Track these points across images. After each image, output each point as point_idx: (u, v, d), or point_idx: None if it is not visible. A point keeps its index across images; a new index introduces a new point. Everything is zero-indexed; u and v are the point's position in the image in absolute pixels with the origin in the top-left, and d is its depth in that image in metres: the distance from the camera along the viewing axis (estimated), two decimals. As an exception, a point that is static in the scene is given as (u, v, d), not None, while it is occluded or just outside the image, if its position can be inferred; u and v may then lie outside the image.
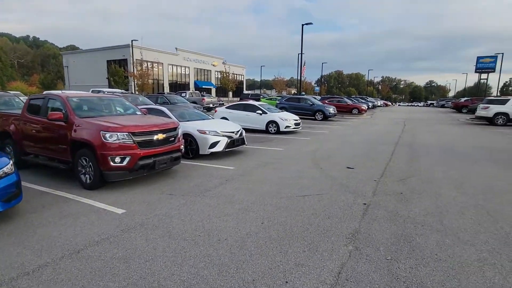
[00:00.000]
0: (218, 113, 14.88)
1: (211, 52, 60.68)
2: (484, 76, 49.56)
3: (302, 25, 27.82)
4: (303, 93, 63.20)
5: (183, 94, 26.82)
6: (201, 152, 7.61)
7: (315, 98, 34.48)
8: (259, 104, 14.16)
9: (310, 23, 27.47)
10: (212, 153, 7.65)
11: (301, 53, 28.26)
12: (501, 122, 18.13)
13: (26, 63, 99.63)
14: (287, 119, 13.41)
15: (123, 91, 20.04)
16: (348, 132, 14.15)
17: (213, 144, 7.61)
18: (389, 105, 64.31)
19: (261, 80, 68.72)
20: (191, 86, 52.77)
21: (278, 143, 10.59)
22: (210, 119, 9.15)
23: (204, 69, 56.02)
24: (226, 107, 14.93)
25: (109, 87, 35.64)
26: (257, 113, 13.61)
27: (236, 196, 4.84)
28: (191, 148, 7.72)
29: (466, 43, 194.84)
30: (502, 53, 42.71)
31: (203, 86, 53.70)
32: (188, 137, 7.76)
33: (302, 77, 66.00)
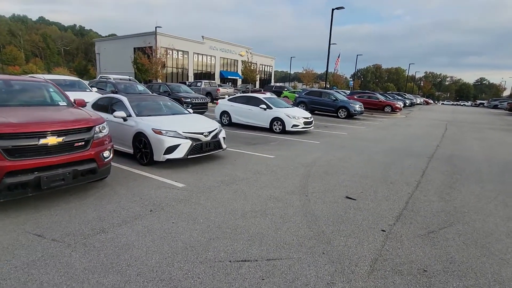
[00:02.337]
0: (220, 106, 13.05)
1: (245, 43, 58.89)
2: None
3: (332, 9, 24.88)
4: (335, 87, 59.42)
5: (199, 84, 25.35)
6: (155, 158, 5.79)
7: (344, 93, 31.43)
8: (264, 98, 12.03)
9: (342, 7, 24.34)
10: (169, 160, 5.80)
11: (330, 41, 25.35)
12: None
13: (71, 50, 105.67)
14: (296, 116, 11.16)
15: (130, 78, 19.00)
16: (371, 136, 11.57)
17: (170, 149, 5.73)
18: (431, 103, 58.23)
19: (290, 72, 65.70)
20: (217, 76, 51.53)
21: (275, 147, 8.48)
22: (183, 114, 7.28)
23: (231, 59, 54.37)
24: (228, 99, 13.01)
25: (135, 76, 35.51)
26: (261, 107, 11.52)
27: (131, 251, 2.94)
28: (146, 152, 5.94)
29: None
30: None
31: (229, 77, 52.22)
32: (142, 137, 5.97)
33: (335, 70, 62.03)
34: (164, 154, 5.71)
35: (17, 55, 74.29)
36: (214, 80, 49.53)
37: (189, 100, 14.43)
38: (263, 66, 63.29)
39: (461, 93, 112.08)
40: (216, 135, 6.50)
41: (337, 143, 9.56)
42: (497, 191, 5.21)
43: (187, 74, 45.63)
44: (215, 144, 6.47)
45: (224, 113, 12.72)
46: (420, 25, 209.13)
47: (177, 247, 2.97)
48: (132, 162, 6.11)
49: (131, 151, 6.25)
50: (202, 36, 48.04)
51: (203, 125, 6.52)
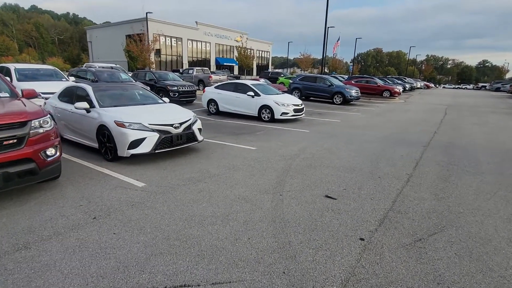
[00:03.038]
0: (206, 93, 12.38)
1: (244, 29, 57.20)
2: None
3: (328, -10, 23.62)
4: (334, 72, 58.18)
5: (191, 71, 24.53)
6: (119, 153, 5.23)
7: (343, 78, 30.49)
8: (252, 84, 11.34)
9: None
10: (134, 155, 5.24)
11: (326, 24, 24.26)
12: None
13: (66, 39, 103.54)
14: (285, 103, 10.52)
15: (113, 66, 18.23)
16: (365, 123, 10.95)
17: (134, 143, 5.16)
18: (431, 87, 57.10)
19: (288, 57, 64.22)
20: (212, 63, 50.32)
21: (260, 137, 7.90)
22: (156, 103, 6.67)
23: (227, 45, 52.93)
24: (216, 87, 12.33)
25: (128, 64, 34.52)
26: (248, 95, 10.86)
27: (47, 274, 2.42)
28: (110, 146, 5.37)
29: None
30: None
31: (225, 63, 50.99)
32: (105, 130, 5.40)
33: (333, 55, 60.50)
34: (128, 149, 5.14)
35: (10, 45, 72.68)
36: (209, 67, 48.50)
37: (175, 88, 13.75)
38: (260, 52, 61.82)
39: (463, 76, 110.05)
40: (189, 127, 5.91)
41: (328, 131, 8.96)
42: (497, 184, 4.66)
43: (182, 61, 44.49)
44: (188, 136, 5.89)
45: (211, 101, 12.08)
46: (422, 7, 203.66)
47: (107, 267, 2.45)
48: (98, 158, 5.57)
49: (96, 145, 5.70)
50: (196, 22, 46.57)
51: (175, 115, 5.91)
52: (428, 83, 57.69)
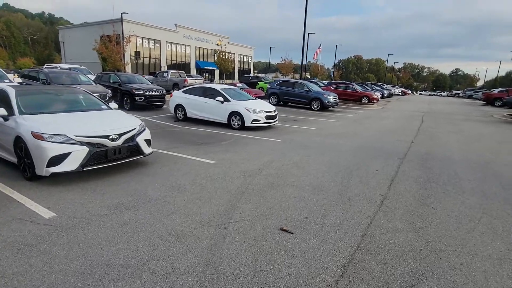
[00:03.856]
0: (174, 98, 11.45)
1: (228, 34, 56.37)
2: (522, 63, 43.08)
3: (307, -6, 23.37)
4: (315, 78, 58.51)
5: (165, 74, 23.43)
6: (37, 172, 4.24)
7: (323, 83, 30.31)
8: (221, 89, 10.54)
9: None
10: (55, 173, 4.27)
11: (305, 28, 23.94)
12: (554, 122, 13.74)
13: (40, 39, 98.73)
14: (256, 110, 9.77)
15: (78, 67, 16.93)
16: (341, 131, 10.39)
17: (56, 159, 4.19)
18: (409, 93, 58.56)
19: (269, 62, 63.98)
20: (192, 66, 49.16)
21: (224, 148, 7.08)
22: (98, 110, 5.70)
23: (207, 49, 51.96)
24: (183, 91, 11.44)
25: (103, 66, 32.79)
26: (217, 100, 10.05)
27: None
28: (28, 162, 4.37)
29: (499, 29, 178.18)
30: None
31: (205, 67, 49.99)
32: (21, 143, 4.40)
33: (315, 61, 60.93)
34: (48, 166, 4.17)
35: (-23, 44, 68.27)
36: (189, 70, 47.30)
37: (141, 92, 12.71)
38: (242, 56, 61.28)
39: (438, 83, 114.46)
40: (132, 138, 5.01)
41: (301, 141, 8.28)
42: (481, 207, 4.07)
43: (160, 64, 43.04)
44: (130, 149, 4.98)
45: (179, 106, 11.16)
46: (400, 17, 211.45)
47: None
48: (18, 175, 4.56)
49: (15, 160, 4.68)
50: (175, 24, 45.37)
51: (115, 125, 4.99)
52: (405, 90, 59.13)
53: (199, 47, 49.94)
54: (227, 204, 3.85)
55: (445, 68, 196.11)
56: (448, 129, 11.91)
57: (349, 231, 3.25)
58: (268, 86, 19.95)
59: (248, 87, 23.47)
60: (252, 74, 57.89)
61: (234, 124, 9.90)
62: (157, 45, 42.49)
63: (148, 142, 5.40)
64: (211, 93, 10.50)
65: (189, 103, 10.88)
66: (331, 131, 10.32)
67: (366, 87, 32.68)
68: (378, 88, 36.06)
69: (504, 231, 3.42)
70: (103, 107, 5.94)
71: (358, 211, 3.79)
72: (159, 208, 3.66)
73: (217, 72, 51.53)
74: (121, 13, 33.53)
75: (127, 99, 12.88)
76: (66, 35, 47.35)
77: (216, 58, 39.38)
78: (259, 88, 25.08)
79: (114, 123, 5.10)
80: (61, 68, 16.48)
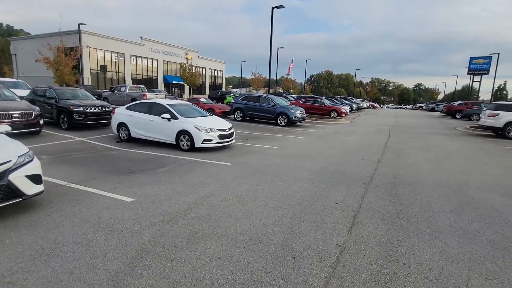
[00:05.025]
0: (116, 115, 9.98)
1: (202, 49, 55.42)
2: (477, 78, 46.09)
3: (272, 8, 23.09)
4: (287, 92, 58.80)
5: (122, 89, 21.72)
6: None
7: (293, 97, 29.93)
8: (169, 104, 9.26)
9: (281, 6, 22.68)
10: None
11: (271, 41, 23.48)
12: (514, 134, 13.83)
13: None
14: (208, 128, 8.56)
15: (15, 81, 14.95)
16: (304, 150, 9.44)
17: None
18: (376, 107, 60.44)
19: (241, 77, 63.70)
20: (160, 81, 47.40)
21: (158, 177, 5.75)
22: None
23: (176, 63, 50.49)
24: (126, 107, 10.00)
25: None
26: (163, 118, 8.75)
27: None
28: None
29: (452, 47, 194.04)
30: (498, 53, 39.04)
31: (174, 82, 48.39)
32: None
33: (287, 75, 61.49)
34: None
35: None
36: (156, 85, 45.44)
37: (81, 109, 11.07)
38: (213, 71, 60.41)
39: (403, 97, 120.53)
40: (1, 175, 3.58)
41: (255, 164, 7.15)
42: (465, 259, 3.09)
43: (124, 78, 40.89)
44: (3, 191, 3.54)
45: (122, 125, 9.70)
46: (365, 35, 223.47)
47: None
48: None
49: None
50: (141, 37, 43.75)
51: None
52: (373, 103, 61.05)
53: (167, 61, 48.40)
54: (109, 280, 2.54)
55: (409, 82, 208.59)
56: (415, 144, 11.40)
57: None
58: (233, 101, 18.94)
59: (213, 102, 22.38)
60: (223, 89, 57.11)
61: (183, 145, 8.61)
62: (120, 58, 40.44)
63: (35, 178, 3.97)
64: (157, 110, 9.18)
65: (132, 121, 9.46)
66: (293, 150, 9.32)
67: (335, 101, 32.82)
68: (347, 102, 36.48)
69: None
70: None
71: (303, 279, 2.64)
72: (-14, 299, 2.27)
73: (187, 87, 50.06)
74: (78, 24, 31.64)
75: (64, 117, 11.17)
76: (18, 47, 43.93)
77: (181, 72, 37.96)
78: (227, 103, 24.05)
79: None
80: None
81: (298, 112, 16.58)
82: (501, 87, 67.76)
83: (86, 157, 7.50)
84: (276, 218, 3.95)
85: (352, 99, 42.80)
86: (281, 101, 17.60)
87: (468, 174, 6.80)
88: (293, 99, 27.90)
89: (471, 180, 6.31)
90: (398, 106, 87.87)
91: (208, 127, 8.59)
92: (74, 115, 10.98)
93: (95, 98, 13.22)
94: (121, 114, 9.82)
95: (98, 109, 11.69)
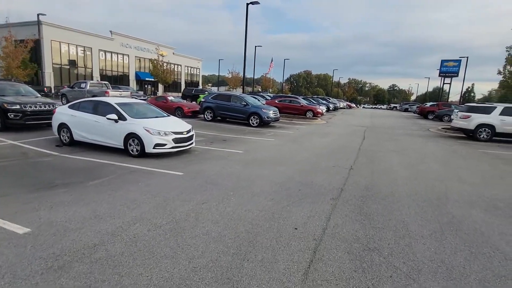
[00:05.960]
0: (56, 115, 8.66)
1: (181, 47, 53.22)
2: (447, 80, 47.67)
3: (247, 4, 22.10)
4: (266, 91, 58.11)
5: (83, 85, 19.89)
6: None
7: (269, 97, 29.14)
8: (117, 103, 8.06)
9: (257, 3, 21.77)
10: None
11: (246, 38, 22.50)
12: (485, 136, 13.76)
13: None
14: (161, 131, 7.47)
15: None
16: (273, 154, 8.58)
17: None
18: (353, 107, 61.20)
19: (218, 75, 62.22)
20: (132, 78, 45.05)
21: (83, 195, 4.63)
22: None
23: (149, 59, 48.21)
24: (69, 106, 8.68)
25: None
26: (109, 118, 7.56)
27: None
28: None
29: (424, 51, 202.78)
30: (467, 57, 40.42)
31: (147, 79, 46.16)
32: None
33: (265, 74, 60.73)
34: None
35: None
36: (128, 82, 43.09)
37: (17, 107, 9.57)
38: (189, 68, 58.46)
39: (378, 97, 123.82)
40: None
41: (211, 174, 6.17)
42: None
43: (91, 73, 38.31)
44: None
45: (63, 126, 8.39)
46: (343, 37, 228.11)
47: None
48: None
49: None
50: (111, 31, 41.25)
51: None
52: (350, 103, 61.77)
53: (140, 57, 46.05)
54: None
55: (384, 83, 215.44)
56: (390, 147, 10.89)
57: None
58: (202, 100, 17.80)
59: (183, 101, 21.11)
60: (200, 87, 55.38)
61: (132, 150, 7.46)
62: (88, 53, 37.82)
63: None
64: (104, 109, 7.95)
65: (75, 121, 8.17)
66: (260, 154, 8.44)
67: (312, 100, 32.42)
68: (324, 102, 36.24)
69: None
70: None
71: None
72: None
73: (160, 84, 47.93)
74: (38, 14, 29.06)
75: (-4, 117, 9.61)
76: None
77: (151, 68, 36.10)
78: (199, 102, 22.83)
79: None
80: None
81: (272, 112, 15.75)
82: (469, 89, 70.97)
83: (7, 165, 6.20)
84: (213, 256, 3.00)
85: (329, 99, 42.77)
86: (253, 101, 16.69)
87: (446, 183, 6.21)
88: (269, 99, 27.15)
89: (449, 190, 5.69)
90: (374, 106, 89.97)
91: (161, 129, 7.49)
92: (8, 114, 9.45)
93: (39, 95, 11.64)
94: (62, 113, 8.49)
95: (41, 107, 10.20)
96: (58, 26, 34.14)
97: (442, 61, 47.01)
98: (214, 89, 62.22)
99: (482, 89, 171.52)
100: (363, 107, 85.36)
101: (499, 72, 20.62)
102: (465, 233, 3.82)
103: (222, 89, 58.48)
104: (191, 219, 3.88)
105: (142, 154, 7.36)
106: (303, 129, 15.84)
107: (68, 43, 35.45)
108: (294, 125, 17.78)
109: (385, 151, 9.96)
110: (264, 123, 15.50)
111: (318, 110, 23.60)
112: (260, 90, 60.76)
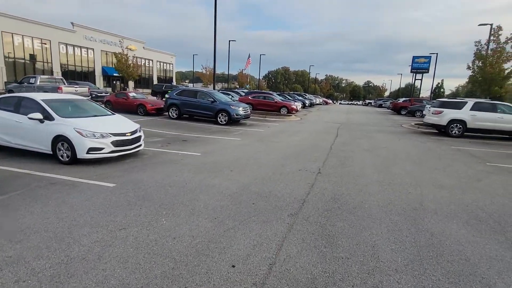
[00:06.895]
0: (-29, 115, 7.12)
1: (160, 43, 50.50)
2: (418, 76, 48.90)
3: (216, -4, 20.81)
4: (247, 86, 57.00)
5: (32, 80, 17.85)
6: None
7: (243, 93, 28.07)
8: (43, 99, 6.73)
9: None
10: None
11: (215, 32, 21.24)
12: (457, 132, 13.59)
13: None
14: (97, 132, 6.25)
15: None
16: (234, 156, 7.60)
17: None
18: (330, 103, 61.53)
19: (193, 71, 60.18)
20: (98, 73, 42.23)
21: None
22: None
23: (117, 53, 45.53)
24: (-13, 104, 7.21)
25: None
26: (32, 118, 6.23)
27: None
28: None
29: (397, 48, 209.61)
30: (437, 53, 41.47)
31: (114, 74, 43.46)
32: None
33: (242, 70, 59.48)
34: None
35: None
36: (93, 78, 40.32)
37: None
38: (162, 64, 55.97)
39: (354, 93, 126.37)
40: None
41: (150, 184, 5.09)
42: None
43: (51, 68, 35.30)
44: None
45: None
46: (320, 35, 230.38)
47: None
48: None
49: None
50: (72, 23, 38.19)
51: None
52: (326, 100, 62.03)
53: (107, 51, 43.19)
54: None
55: (359, 80, 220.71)
56: (363, 145, 10.27)
57: None
58: (167, 96, 16.46)
59: (145, 97, 19.59)
60: (174, 83, 53.23)
61: (61, 156, 6.20)
62: (46, 46, 34.75)
63: None
64: (28, 107, 6.59)
65: (-7, 122, 6.75)
66: (219, 157, 7.43)
67: (288, 97, 31.75)
68: (300, 98, 35.72)
69: None
70: None
71: None
72: None
73: (130, 81, 45.39)
74: (-16, 2, 26.02)
75: None
76: None
77: (115, 63, 33.89)
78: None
79: None
80: None
81: (241, 109, 14.74)
82: (439, 85, 73.58)
83: None
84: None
85: (306, 95, 42.38)
86: (223, 97, 15.59)
87: (421, 188, 5.53)
88: (243, 94, 26.13)
89: (425, 198, 4.99)
90: (350, 102, 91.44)
91: (97, 131, 6.27)
92: None
93: None
94: (-23, 112, 7.01)
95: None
96: (10, 16, 31.02)
97: (414, 57, 48.12)
98: (190, 85, 60.17)
99: (450, 85, 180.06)
100: (340, 103, 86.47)
101: (469, 67, 20.82)
102: (447, 261, 3.05)
103: (199, 86, 56.61)
104: (92, 257, 2.82)
105: (74, 160, 6.12)
106: (274, 126, 14.98)
107: (23, 35, 32.34)
108: (267, 122, 16.90)
109: (357, 150, 9.29)
110: (233, 121, 14.48)
111: (293, 106, 22.92)
112: (237, 86, 59.50)
